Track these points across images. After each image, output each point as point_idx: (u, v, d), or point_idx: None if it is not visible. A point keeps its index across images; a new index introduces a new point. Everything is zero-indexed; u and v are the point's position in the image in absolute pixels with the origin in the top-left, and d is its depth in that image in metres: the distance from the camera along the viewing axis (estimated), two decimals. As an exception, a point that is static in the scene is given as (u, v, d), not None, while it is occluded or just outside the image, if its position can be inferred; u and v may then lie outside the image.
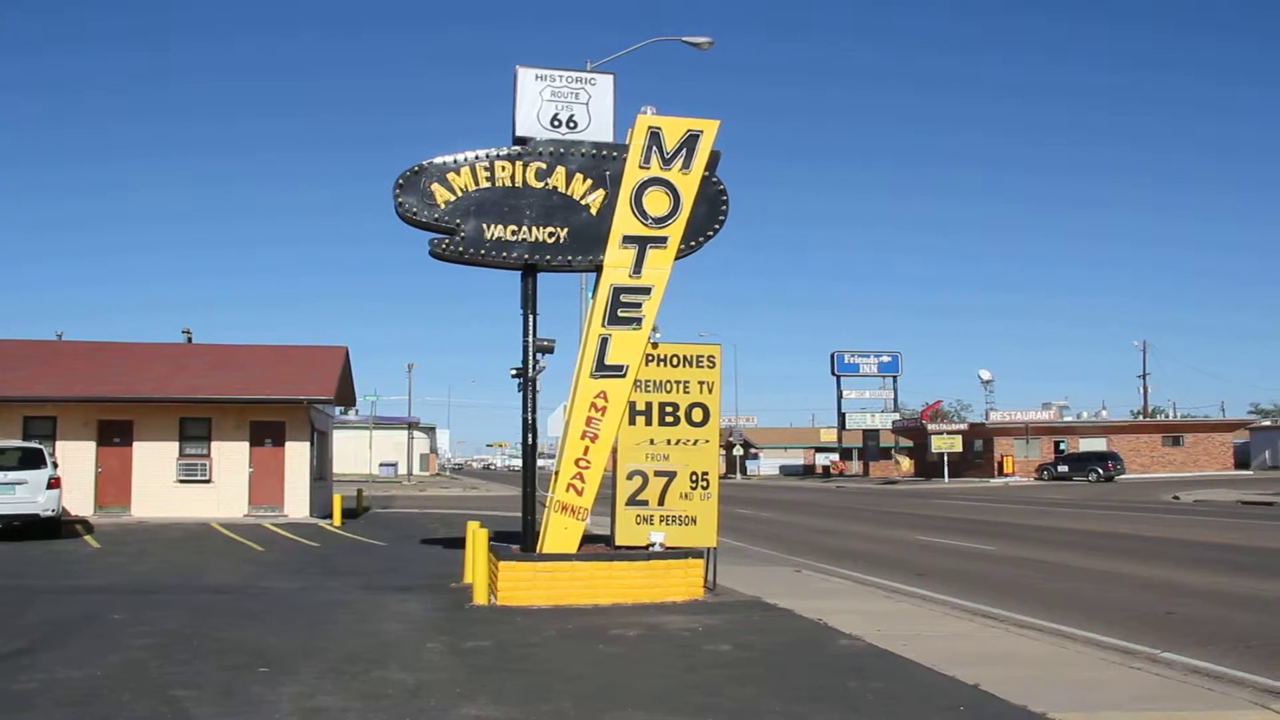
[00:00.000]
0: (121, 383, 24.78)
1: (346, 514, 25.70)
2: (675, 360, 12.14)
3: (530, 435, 11.98)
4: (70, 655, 8.29)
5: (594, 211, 11.83)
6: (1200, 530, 22.40)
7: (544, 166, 11.77)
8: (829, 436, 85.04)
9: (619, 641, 9.08)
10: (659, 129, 11.86)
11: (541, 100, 11.99)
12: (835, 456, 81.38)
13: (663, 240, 11.86)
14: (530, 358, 11.86)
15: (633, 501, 11.82)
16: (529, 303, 11.90)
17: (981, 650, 8.72)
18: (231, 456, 24.83)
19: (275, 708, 6.64)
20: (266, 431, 25.12)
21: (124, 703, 6.75)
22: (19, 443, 21.05)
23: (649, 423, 11.97)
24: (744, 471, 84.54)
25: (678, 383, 12.11)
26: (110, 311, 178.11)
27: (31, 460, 19.17)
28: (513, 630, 9.61)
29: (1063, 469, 59.01)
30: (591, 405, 11.65)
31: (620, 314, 11.75)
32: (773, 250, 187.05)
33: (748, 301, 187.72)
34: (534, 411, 11.96)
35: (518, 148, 11.86)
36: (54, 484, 18.99)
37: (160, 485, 24.29)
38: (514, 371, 12.04)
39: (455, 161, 11.64)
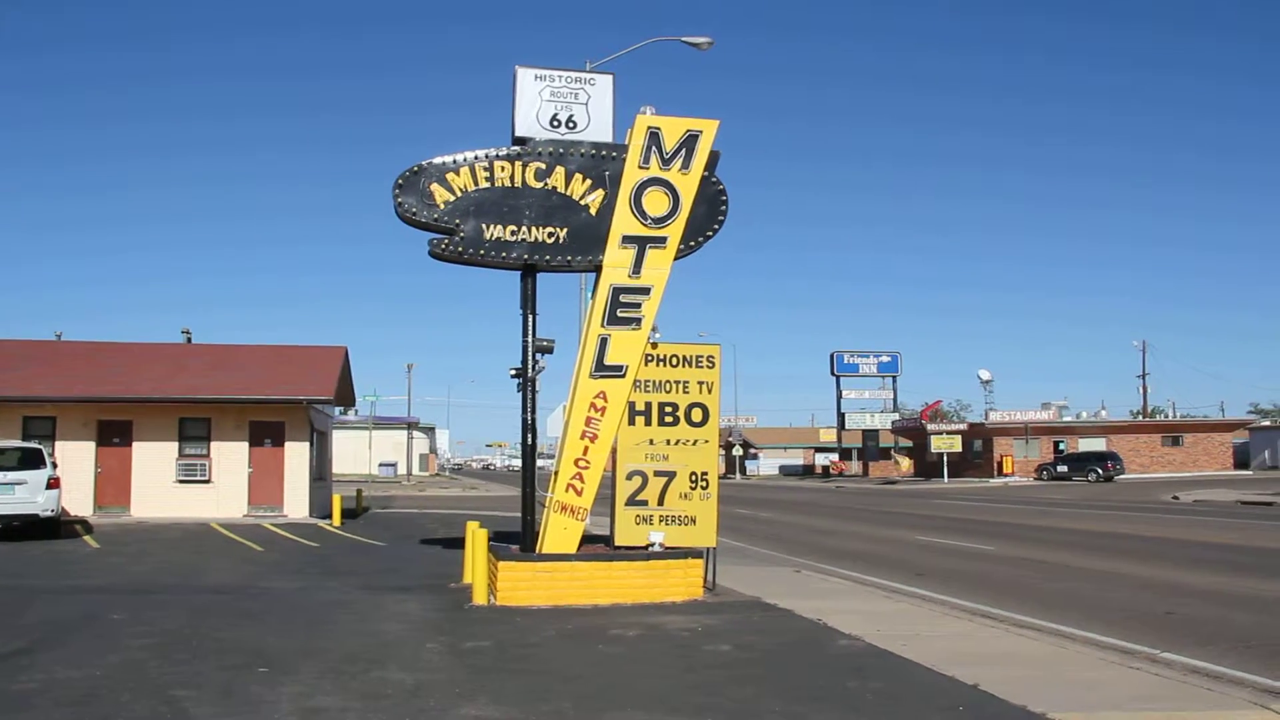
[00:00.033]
0: (121, 383, 24.77)
1: (346, 514, 25.70)
2: (675, 360, 12.14)
3: (530, 435, 11.98)
4: (70, 655, 8.29)
5: (593, 212, 11.83)
6: (1200, 530, 22.41)
7: (543, 167, 11.77)
8: (828, 436, 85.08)
9: (618, 641, 9.09)
10: (658, 129, 11.86)
11: (541, 100, 11.99)
12: (835, 456, 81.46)
13: (662, 240, 11.86)
14: (530, 358, 11.87)
15: (632, 502, 11.82)
16: (528, 303, 11.90)
17: (981, 650, 8.72)
18: (231, 457, 24.84)
19: (275, 708, 6.64)
20: (266, 432, 25.13)
21: (123, 703, 6.75)
22: (18, 443, 21.05)
23: (648, 423, 11.97)
24: (743, 471, 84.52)
25: (677, 383, 12.10)
26: (110, 311, 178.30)
27: (31, 460, 19.18)
28: (512, 630, 9.61)
29: (1062, 469, 59.04)
30: (591, 405, 11.65)
31: (620, 314, 11.75)
32: (772, 250, 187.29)
33: (747, 301, 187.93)
34: (533, 412, 11.96)
35: (517, 148, 11.86)
36: (53, 484, 18.99)
37: (160, 485, 24.29)
38: (513, 372, 12.04)
39: (455, 162, 11.64)
